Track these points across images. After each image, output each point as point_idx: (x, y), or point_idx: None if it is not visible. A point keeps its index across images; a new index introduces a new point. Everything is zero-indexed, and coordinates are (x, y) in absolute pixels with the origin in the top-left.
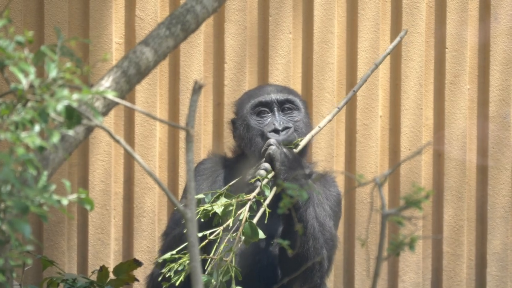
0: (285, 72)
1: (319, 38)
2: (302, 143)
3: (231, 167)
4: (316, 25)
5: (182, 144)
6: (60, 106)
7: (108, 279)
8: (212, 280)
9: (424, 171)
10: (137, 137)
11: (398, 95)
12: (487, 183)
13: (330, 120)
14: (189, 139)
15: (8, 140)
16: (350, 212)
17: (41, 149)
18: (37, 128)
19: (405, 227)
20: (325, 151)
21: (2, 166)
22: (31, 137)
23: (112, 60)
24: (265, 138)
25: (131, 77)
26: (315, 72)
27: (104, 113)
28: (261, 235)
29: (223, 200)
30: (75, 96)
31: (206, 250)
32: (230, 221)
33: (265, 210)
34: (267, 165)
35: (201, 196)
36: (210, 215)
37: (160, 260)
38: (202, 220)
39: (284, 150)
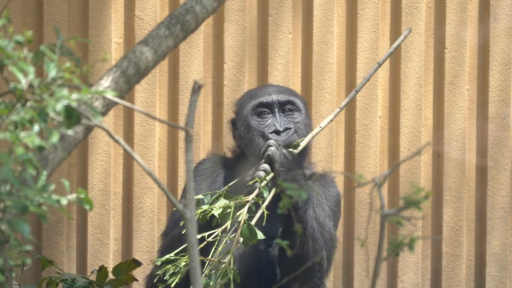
0: (284, 72)
1: (318, 38)
2: (302, 144)
3: (230, 167)
4: (316, 25)
5: (181, 144)
6: (59, 106)
7: (107, 279)
8: (211, 283)
9: (423, 171)
10: (136, 137)
11: (398, 96)
12: (486, 183)
13: (331, 120)
14: (188, 139)
15: (8, 139)
16: (350, 213)
17: (40, 148)
18: (36, 127)
19: (405, 228)
20: (325, 151)
21: (1, 165)
22: (31, 137)
23: (111, 60)
24: (265, 139)
25: (130, 77)
26: (314, 72)
27: (104, 113)
28: (260, 235)
29: (222, 202)
30: (75, 95)
31: (204, 252)
32: (228, 223)
33: (263, 212)
34: (266, 166)
35: (200, 196)
36: (208, 218)
37: (158, 262)
38: (200, 222)
39: (284, 151)
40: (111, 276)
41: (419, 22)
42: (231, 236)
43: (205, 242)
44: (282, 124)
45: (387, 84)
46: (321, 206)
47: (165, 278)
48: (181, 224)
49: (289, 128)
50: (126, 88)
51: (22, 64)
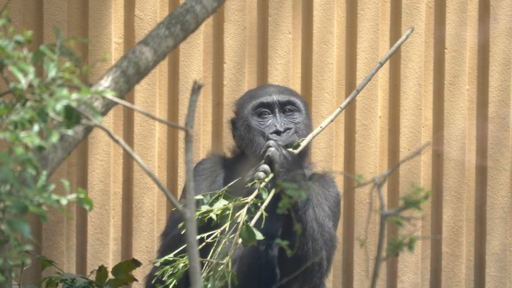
0: (284, 72)
1: (318, 39)
2: (303, 144)
3: (230, 167)
4: (316, 25)
5: (181, 144)
6: (59, 106)
7: (107, 279)
8: (208, 285)
9: (423, 171)
10: (136, 137)
11: (398, 96)
12: (486, 183)
13: (332, 120)
14: (188, 139)
15: (7, 139)
16: (349, 213)
17: (40, 148)
18: (36, 127)
19: (404, 228)
20: (324, 152)
21: (1, 165)
22: (30, 137)
23: (111, 60)
24: (266, 139)
25: (130, 77)
26: (314, 72)
27: (103, 113)
28: (259, 236)
29: (221, 203)
30: (74, 95)
31: (203, 253)
32: (227, 225)
33: (262, 214)
34: (266, 167)
35: (199, 197)
36: (206, 221)
37: (157, 263)
38: (199, 224)
39: (284, 152)
40: (110, 276)
41: (419, 22)
42: (230, 237)
43: (204, 243)
44: (282, 124)
45: (387, 84)
46: (321, 206)
47: (163, 279)
48: (181, 225)
49: (289, 129)
50: (126, 88)
51: (22, 64)
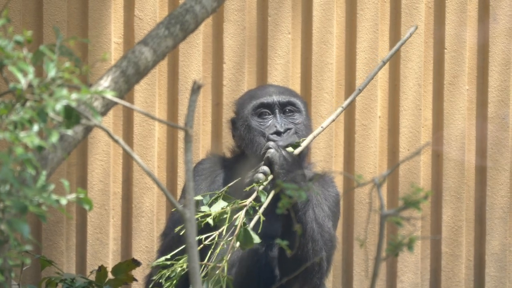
0: (284, 72)
1: (318, 39)
2: (303, 144)
3: (230, 168)
4: (315, 25)
5: (181, 144)
6: (59, 106)
7: (107, 279)
8: None
9: (423, 171)
10: (136, 137)
11: (397, 96)
12: (485, 183)
13: (333, 120)
14: (187, 139)
15: (7, 139)
16: (349, 213)
17: (40, 148)
18: (36, 127)
19: (404, 228)
20: (324, 152)
21: (1, 165)
22: (30, 137)
23: (111, 60)
24: (266, 139)
25: (130, 77)
26: (314, 72)
27: (103, 113)
28: (257, 240)
29: (220, 204)
30: (74, 95)
31: (202, 254)
32: (224, 228)
33: (259, 217)
34: (266, 168)
35: (199, 197)
36: (203, 226)
37: (154, 264)
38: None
39: (283, 153)
40: (110, 276)
41: (419, 22)
42: (228, 240)
43: (201, 245)
44: (282, 125)
45: (386, 84)
46: (321, 206)
47: (160, 281)
48: (179, 228)
49: (289, 129)
50: (125, 88)
51: (21, 64)
